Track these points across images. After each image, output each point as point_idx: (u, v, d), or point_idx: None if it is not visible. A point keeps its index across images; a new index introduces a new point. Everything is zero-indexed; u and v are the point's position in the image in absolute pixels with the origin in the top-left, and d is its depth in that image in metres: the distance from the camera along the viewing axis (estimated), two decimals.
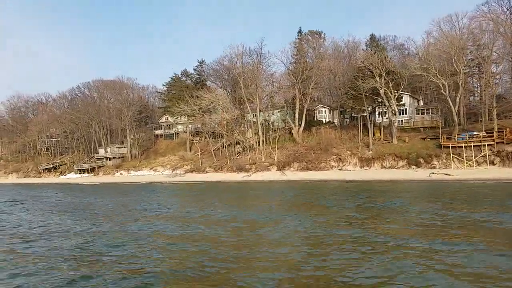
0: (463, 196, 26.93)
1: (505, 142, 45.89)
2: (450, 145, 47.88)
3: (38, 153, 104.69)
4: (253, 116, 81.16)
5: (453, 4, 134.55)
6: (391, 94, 56.05)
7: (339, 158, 57.98)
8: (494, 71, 61.95)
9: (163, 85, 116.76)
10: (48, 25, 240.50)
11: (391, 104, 57.43)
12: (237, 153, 71.34)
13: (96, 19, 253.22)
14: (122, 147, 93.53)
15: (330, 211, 21.84)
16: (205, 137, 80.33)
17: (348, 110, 79.79)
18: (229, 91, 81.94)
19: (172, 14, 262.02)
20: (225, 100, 70.91)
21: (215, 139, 74.97)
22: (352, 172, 53.38)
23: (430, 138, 56.24)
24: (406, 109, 70.00)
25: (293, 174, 55.14)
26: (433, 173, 43.82)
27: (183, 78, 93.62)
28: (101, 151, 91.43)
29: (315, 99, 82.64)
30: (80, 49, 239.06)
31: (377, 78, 56.95)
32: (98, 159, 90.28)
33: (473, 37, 60.04)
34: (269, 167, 62.38)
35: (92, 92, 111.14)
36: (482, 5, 65.94)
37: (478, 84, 68.77)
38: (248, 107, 72.81)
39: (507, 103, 61.69)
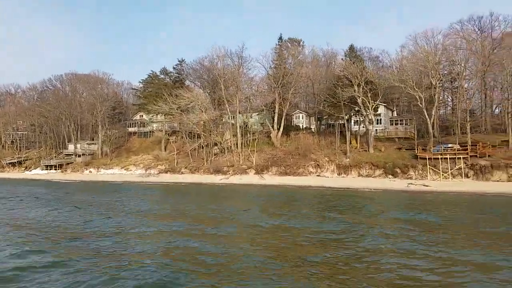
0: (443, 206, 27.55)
1: (478, 155, 47.50)
2: (427, 157, 49.02)
3: (3, 146, 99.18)
4: (231, 118, 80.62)
5: (426, 20, 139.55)
6: (369, 103, 56.99)
7: (317, 164, 58.25)
8: (466, 86, 64.28)
9: (140, 82, 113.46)
10: (21, 13, 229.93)
11: (368, 113, 58.39)
12: (214, 155, 70.31)
13: (73, 12, 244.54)
14: (92, 143, 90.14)
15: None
16: (182, 137, 78.71)
17: (325, 117, 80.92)
18: (208, 92, 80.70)
19: (152, 13, 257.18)
20: (204, 100, 69.72)
21: (191, 139, 73.48)
22: (330, 179, 53.70)
23: (406, 149, 57.52)
24: (381, 119, 71.66)
25: (271, 179, 54.82)
26: (411, 183, 44.63)
27: (162, 76, 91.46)
28: (70, 147, 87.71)
29: (293, 104, 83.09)
30: (54, 41, 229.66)
31: (356, 88, 57.87)
32: (67, 155, 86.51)
33: (447, 53, 62.10)
34: (247, 170, 61.79)
35: (64, 85, 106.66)
36: (455, 23, 68.89)
37: (450, 98, 71.30)
38: (228, 108, 72.02)
39: (477, 119, 64.54)
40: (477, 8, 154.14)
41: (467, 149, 48.73)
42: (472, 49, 60.51)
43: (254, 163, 62.58)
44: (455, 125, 62.22)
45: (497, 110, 69.91)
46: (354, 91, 57.32)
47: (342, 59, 70.57)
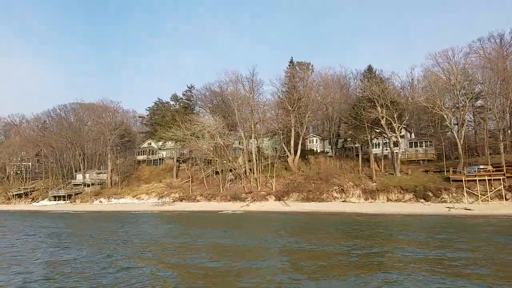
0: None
1: None
2: (463, 179, 46.45)
3: (7, 177, 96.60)
4: (242, 143, 78.59)
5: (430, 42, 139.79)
6: (395, 124, 54.98)
7: (342, 189, 55.58)
8: (489, 105, 62.54)
9: (146, 109, 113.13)
10: (23, 44, 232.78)
11: (393, 135, 56.36)
12: (230, 181, 67.76)
13: (76, 43, 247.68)
14: (101, 172, 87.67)
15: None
16: (193, 164, 76.42)
17: (341, 140, 78.93)
18: (220, 117, 79.05)
19: (152, 42, 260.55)
20: (219, 125, 67.75)
21: (205, 165, 71.05)
22: (358, 204, 50.94)
23: (433, 171, 55.17)
24: (400, 142, 69.54)
25: (295, 205, 51.94)
26: (451, 207, 41.83)
27: (172, 103, 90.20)
28: (79, 177, 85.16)
29: (308, 128, 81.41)
30: (57, 71, 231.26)
31: (379, 108, 56.14)
32: (75, 185, 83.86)
33: (467, 72, 60.72)
34: (266, 197, 59.10)
35: (69, 115, 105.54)
36: (474, 41, 68.02)
37: (472, 118, 69.35)
38: (242, 133, 70.08)
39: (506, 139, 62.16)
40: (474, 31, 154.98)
41: (501, 170, 46.32)
42: (493, 68, 59.12)
43: (274, 189, 59.96)
44: (480, 146, 60.24)
45: None
46: (377, 112, 55.53)
47: (360, 80, 69.17)
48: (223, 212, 50.46)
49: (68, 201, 77.38)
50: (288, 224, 34.69)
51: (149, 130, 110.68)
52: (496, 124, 53.57)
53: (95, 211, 62.12)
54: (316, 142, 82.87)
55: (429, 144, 69.96)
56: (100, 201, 74.89)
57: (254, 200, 57.56)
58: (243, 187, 64.41)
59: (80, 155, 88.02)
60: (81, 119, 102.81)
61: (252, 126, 68.92)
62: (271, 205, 53.97)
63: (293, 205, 51.79)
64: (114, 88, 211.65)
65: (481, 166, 49.05)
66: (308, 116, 68.44)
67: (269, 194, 59.52)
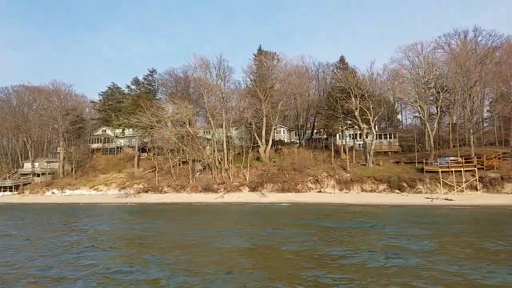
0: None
1: (485, 168, 46.79)
2: (438, 170, 47.43)
3: None
4: (206, 133, 75.66)
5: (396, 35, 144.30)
6: (370, 116, 55.18)
7: (316, 180, 54.95)
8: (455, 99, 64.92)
9: (100, 94, 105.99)
10: None
11: (368, 126, 56.63)
12: (198, 172, 64.71)
13: (24, 19, 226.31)
14: (52, 161, 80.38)
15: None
16: (158, 153, 72.20)
17: (309, 131, 78.58)
18: (190, 103, 75.22)
19: (106, 24, 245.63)
20: (189, 112, 64.14)
21: (171, 155, 67.23)
22: (334, 194, 50.57)
23: (404, 162, 56.22)
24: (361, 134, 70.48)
25: (273, 196, 50.42)
26: (434, 198, 42.31)
27: (133, 87, 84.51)
28: (27, 166, 77.31)
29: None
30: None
31: (353, 99, 56.05)
32: (23, 175, 76.02)
33: (435, 66, 62.46)
34: (240, 188, 57.02)
35: (10, 97, 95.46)
36: (439, 37, 70.33)
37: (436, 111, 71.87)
38: (212, 122, 67.05)
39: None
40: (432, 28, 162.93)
41: (472, 162, 47.97)
42: (458, 63, 61.27)
43: (247, 180, 58.02)
44: (444, 139, 62.54)
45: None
46: (351, 103, 55.38)
47: (333, 70, 68.83)
48: (198, 203, 47.75)
49: (15, 192, 69.88)
50: (277, 215, 32.95)
51: (102, 116, 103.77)
52: (464, 116, 55.37)
53: (48, 203, 56.33)
54: (284, 133, 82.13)
55: (393, 136, 71.82)
56: (53, 192, 68.41)
57: (228, 191, 55.25)
58: (214, 178, 61.80)
59: (28, 141, 79.84)
60: (26, 103, 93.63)
61: (223, 115, 66.20)
62: (247, 196, 52.04)
63: (271, 196, 50.25)
64: (61, 71, 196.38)
65: (451, 158, 50.52)
66: (281, 106, 66.93)
67: (242, 185, 57.49)
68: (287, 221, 28.01)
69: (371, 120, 55.57)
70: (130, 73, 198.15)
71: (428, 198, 42.52)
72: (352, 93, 55.79)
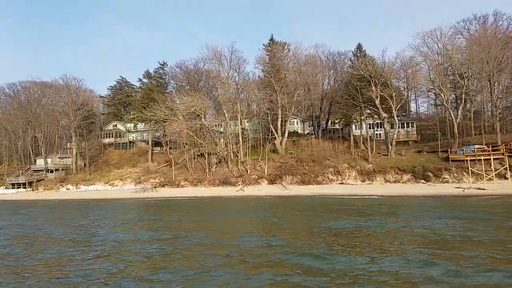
0: None
1: None
2: (464, 159, 46.21)
3: None
4: (218, 126, 74.41)
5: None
6: (393, 104, 53.84)
7: (337, 171, 53.88)
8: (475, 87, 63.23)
9: (108, 88, 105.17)
10: None
11: (391, 115, 55.33)
12: (213, 165, 63.80)
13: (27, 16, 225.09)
14: (65, 157, 79.80)
15: None
16: (173, 147, 71.42)
17: (324, 121, 77.28)
18: (205, 96, 74.01)
19: (101, 16, 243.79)
20: (205, 104, 63.03)
21: (187, 148, 66.31)
22: (357, 186, 49.50)
23: (427, 152, 54.99)
24: (381, 123, 69.08)
25: (295, 188, 49.39)
26: (466, 188, 40.95)
27: (145, 80, 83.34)
28: (40, 162, 76.82)
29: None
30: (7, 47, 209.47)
31: (373, 88, 54.70)
32: (36, 171, 75.59)
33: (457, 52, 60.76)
34: (258, 180, 56.15)
35: (19, 94, 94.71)
36: (458, 22, 68.38)
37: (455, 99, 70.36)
38: (226, 114, 65.89)
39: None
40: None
41: (499, 150, 46.67)
42: (482, 49, 59.50)
43: (266, 172, 57.02)
44: (482, 125, 60.79)
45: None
46: (373, 91, 54.03)
47: (350, 59, 67.29)
48: (219, 197, 46.86)
49: (29, 189, 69.49)
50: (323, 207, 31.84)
51: (112, 111, 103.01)
52: (491, 102, 53.86)
53: (65, 200, 55.61)
54: (297, 124, 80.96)
55: (411, 125, 70.43)
56: (67, 188, 67.94)
57: (246, 184, 54.33)
58: (230, 171, 60.92)
59: (41, 138, 79.22)
60: (36, 99, 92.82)
61: (238, 106, 65.04)
62: (268, 189, 51.01)
63: (293, 189, 49.22)
64: (66, 67, 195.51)
65: (477, 146, 49.22)
66: (297, 96, 65.62)
67: (261, 178, 56.57)
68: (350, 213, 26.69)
69: (393, 108, 54.20)
70: (136, 68, 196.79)
71: (458, 187, 41.31)
72: (372, 81, 54.43)
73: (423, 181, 47.90)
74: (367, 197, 39.21)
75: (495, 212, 24.98)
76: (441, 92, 52.37)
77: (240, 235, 18.85)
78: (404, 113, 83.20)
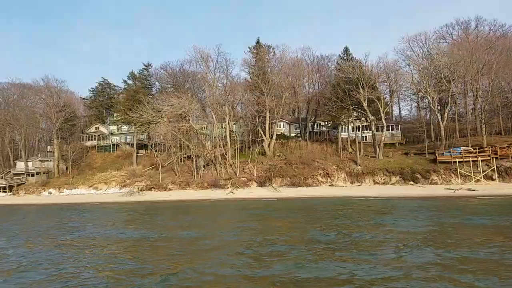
0: None
1: (499, 157, 46.58)
2: (451, 160, 47.12)
3: None
4: (205, 128, 73.55)
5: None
6: (381, 106, 54.45)
7: (326, 173, 54.03)
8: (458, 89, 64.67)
9: (90, 90, 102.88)
10: None
11: (379, 117, 55.93)
12: (201, 168, 62.99)
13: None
14: (46, 160, 77.40)
15: None
16: (159, 150, 70.25)
17: (310, 124, 77.47)
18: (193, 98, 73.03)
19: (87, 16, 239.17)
20: (193, 106, 62.22)
21: (174, 151, 65.33)
22: (346, 188, 49.76)
23: (414, 154, 55.78)
24: (368, 125, 69.88)
25: (285, 191, 49.14)
26: (456, 189, 41.55)
27: (130, 82, 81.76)
28: (20, 165, 74.23)
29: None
30: None
31: (361, 90, 55.23)
32: (16, 175, 72.91)
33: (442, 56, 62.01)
34: (247, 183, 55.81)
35: None
36: (441, 27, 69.99)
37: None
38: (214, 116, 65.23)
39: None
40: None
41: (485, 151, 47.74)
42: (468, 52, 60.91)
43: (255, 175, 56.69)
44: (467, 127, 62.01)
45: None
46: (361, 94, 54.54)
47: (337, 62, 67.82)
48: (209, 200, 46.12)
49: (10, 193, 66.90)
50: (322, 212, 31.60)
51: (94, 113, 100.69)
52: (474, 105, 55.15)
53: (49, 204, 53.74)
54: (284, 127, 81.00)
55: (396, 128, 71.46)
56: (50, 192, 65.74)
57: (236, 187, 53.81)
58: (218, 173, 60.29)
59: (21, 140, 76.58)
60: (14, 100, 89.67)
61: (226, 109, 64.52)
62: (258, 191, 50.61)
63: (284, 191, 48.96)
64: (46, 68, 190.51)
65: (464, 148, 50.23)
66: (285, 98, 65.64)
67: (250, 180, 56.27)
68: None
69: (381, 110, 54.82)
70: (117, 69, 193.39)
71: (449, 189, 41.95)
72: (360, 84, 54.95)
73: (412, 182, 48.53)
74: (361, 198, 39.30)
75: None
76: (428, 95, 53.27)
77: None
78: (387, 117, 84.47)
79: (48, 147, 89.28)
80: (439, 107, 60.57)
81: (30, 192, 66.43)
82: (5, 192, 67.20)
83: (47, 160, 77.10)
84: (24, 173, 72.08)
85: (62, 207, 47.38)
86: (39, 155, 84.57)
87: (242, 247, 16.08)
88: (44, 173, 73.29)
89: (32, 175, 71.86)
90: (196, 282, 11.26)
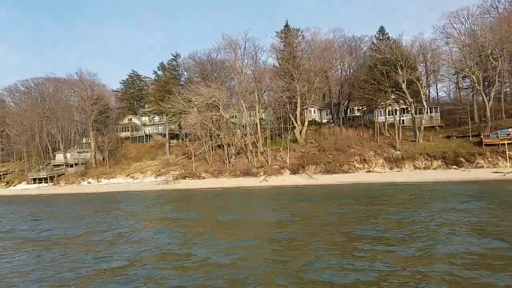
0: None
1: None
2: (498, 143, 44.13)
3: None
4: (233, 117, 72.77)
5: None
6: (422, 88, 51.76)
7: (363, 159, 52.19)
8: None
9: (120, 82, 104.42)
10: None
11: (419, 99, 53.35)
12: (234, 156, 62.64)
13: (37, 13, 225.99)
14: (84, 151, 79.63)
15: None
16: (191, 140, 70.44)
17: (343, 109, 75.10)
18: (223, 87, 72.43)
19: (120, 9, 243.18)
20: (223, 95, 61.59)
21: (206, 140, 65.25)
22: (385, 174, 47.81)
23: (456, 137, 52.92)
24: (406, 108, 66.83)
25: (321, 178, 47.89)
26: (507, 172, 39.02)
27: (159, 72, 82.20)
28: (59, 157, 76.74)
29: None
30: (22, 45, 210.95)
31: (400, 71, 52.58)
32: (55, 166, 75.49)
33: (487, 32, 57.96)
34: (280, 170, 54.88)
35: (33, 90, 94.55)
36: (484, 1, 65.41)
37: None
38: (244, 104, 64.38)
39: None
40: None
41: None
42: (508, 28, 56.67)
43: (288, 162, 55.67)
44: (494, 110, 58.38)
45: None
46: (400, 75, 51.88)
47: (373, 42, 65.06)
48: (244, 188, 45.73)
49: (51, 183, 69.41)
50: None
51: (125, 105, 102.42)
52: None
53: (90, 193, 55.30)
54: (314, 113, 78.94)
55: (435, 110, 68.01)
56: (89, 182, 67.73)
57: (269, 175, 53.07)
58: (249, 161, 59.71)
59: (59, 132, 79.12)
60: (51, 94, 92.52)
61: (256, 95, 63.51)
62: (292, 178, 49.66)
63: (319, 178, 47.72)
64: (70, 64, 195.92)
65: (511, 129, 47.00)
66: (317, 83, 63.74)
67: (282, 168, 55.30)
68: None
69: (421, 92, 52.12)
70: (145, 62, 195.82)
71: (497, 172, 39.38)
72: (399, 64, 52.34)
73: (455, 166, 45.96)
74: (408, 184, 37.48)
75: None
76: (473, 74, 49.91)
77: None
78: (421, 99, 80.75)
79: (84, 139, 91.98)
80: (483, 87, 57.08)
81: (70, 182, 68.62)
82: (46, 182, 69.69)
83: (84, 151, 79.30)
84: (63, 164, 74.52)
85: (106, 196, 48.39)
86: (75, 146, 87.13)
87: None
88: (82, 163, 75.41)
89: (71, 166, 74.13)
90: None
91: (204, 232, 18.16)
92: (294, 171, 53.96)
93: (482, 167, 44.07)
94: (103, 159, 75.82)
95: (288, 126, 65.10)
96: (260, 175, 54.01)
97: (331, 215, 20.94)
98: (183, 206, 31.61)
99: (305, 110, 70.79)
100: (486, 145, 46.13)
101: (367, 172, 49.88)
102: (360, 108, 67.62)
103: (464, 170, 43.35)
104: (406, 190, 32.39)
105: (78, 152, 78.83)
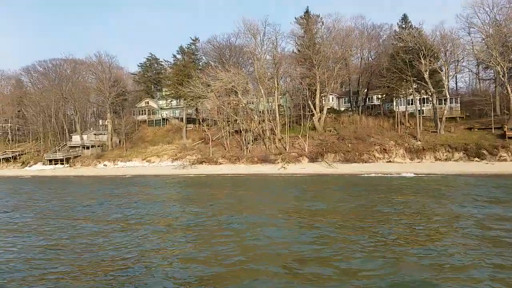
0: None
1: None
2: None
3: None
4: (251, 103, 72.52)
5: None
6: (446, 77, 50.87)
7: (384, 149, 51.82)
8: None
9: (138, 65, 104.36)
10: None
11: (441, 89, 52.45)
12: (251, 142, 62.67)
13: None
14: (100, 133, 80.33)
15: None
16: (208, 125, 70.52)
17: (363, 97, 74.25)
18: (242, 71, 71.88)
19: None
20: (243, 80, 61.32)
21: (224, 125, 65.28)
22: (406, 164, 47.45)
23: (478, 128, 52.14)
24: (426, 99, 65.76)
25: (341, 167, 47.79)
26: None
27: (179, 56, 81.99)
28: (76, 138, 77.49)
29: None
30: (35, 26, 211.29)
31: (422, 60, 51.64)
32: (72, 147, 76.35)
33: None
34: (298, 158, 54.78)
35: (50, 71, 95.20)
36: None
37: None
38: (262, 90, 64.03)
39: None
40: None
41: None
42: None
43: (306, 150, 55.54)
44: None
45: None
46: (423, 64, 50.97)
47: (395, 30, 63.89)
48: (262, 175, 45.90)
49: (67, 165, 70.35)
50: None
51: (142, 88, 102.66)
52: None
53: (107, 176, 56.01)
54: (333, 100, 78.23)
55: (455, 101, 66.85)
56: (105, 165, 68.46)
57: (287, 162, 53.06)
58: (267, 148, 59.72)
59: (76, 114, 79.83)
60: (68, 76, 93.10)
61: (276, 81, 63.04)
62: (311, 166, 49.64)
63: (339, 167, 47.62)
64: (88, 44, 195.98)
65: None
66: (338, 70, 63.02)
67: (301, 156, 55.17)
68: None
69: (444, 82, 51.22)
70: (164, 45, 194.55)
71: None
72: (422, 53, 51.37)
73: (477, 159, 45.49)
74: (431, 176, 37.13)
75: None
76: (497, 65, 48.83)
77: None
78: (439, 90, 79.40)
79: (100, 121, 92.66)
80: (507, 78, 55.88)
81: (86, 165, 69.46)
82: (62, 164, 70.63)
83: (101, 134, 79.99)
84: (79, 146, 75.33)
85: (126, 179, 48.90)
86: (91, 128, 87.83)
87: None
88: (98, 146, 76.15)
89: (87, 148, 74.93)
90: None
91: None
92: (312, 159, 53.86)
93: (505, 160, 43.53)
94: (120, 141, 76.45)
95: (306, 113, 64.77)
96: (278, 162, 54.01)
97: None
98: (241, 191, 30.61)
99: (324, 98, 70.38)
100: (509, 137, 45.41)
101: (387, 162, 49.55)
102: (380, 97, 66.67)
103: (487, 163, 42.83)
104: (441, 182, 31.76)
105: (95, 134, 79.53)
